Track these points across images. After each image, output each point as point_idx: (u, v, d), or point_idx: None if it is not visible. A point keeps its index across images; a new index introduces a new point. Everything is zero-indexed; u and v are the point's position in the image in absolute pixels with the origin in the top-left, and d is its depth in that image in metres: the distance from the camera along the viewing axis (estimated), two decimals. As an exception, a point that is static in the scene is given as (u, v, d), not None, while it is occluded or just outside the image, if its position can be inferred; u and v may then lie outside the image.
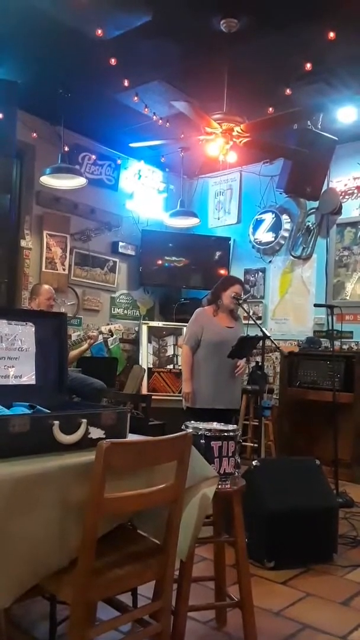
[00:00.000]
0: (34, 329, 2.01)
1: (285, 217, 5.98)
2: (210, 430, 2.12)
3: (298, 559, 2.96)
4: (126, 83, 4.29)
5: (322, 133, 4.89)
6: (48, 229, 5.44)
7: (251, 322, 4.12)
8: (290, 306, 5.97)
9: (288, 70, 4.09)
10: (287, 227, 5.97)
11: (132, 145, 4.52)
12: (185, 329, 4.28)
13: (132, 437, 1.85)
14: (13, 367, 1.93)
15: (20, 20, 3.65)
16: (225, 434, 2.12)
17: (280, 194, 5.53)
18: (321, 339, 5.50)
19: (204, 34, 3.79)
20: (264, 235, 6.12)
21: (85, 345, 4.46)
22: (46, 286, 4.48)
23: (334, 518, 3.12)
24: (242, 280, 5.35)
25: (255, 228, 6.20)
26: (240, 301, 3.94)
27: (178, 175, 6.27)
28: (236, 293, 3.89)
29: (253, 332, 4.29)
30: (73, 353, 4.30)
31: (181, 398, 4.07)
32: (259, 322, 5.30)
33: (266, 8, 3.52)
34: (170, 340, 6.13)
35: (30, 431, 1.56)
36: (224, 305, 3.92)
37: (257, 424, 4.57)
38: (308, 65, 3.89)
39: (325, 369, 5.06)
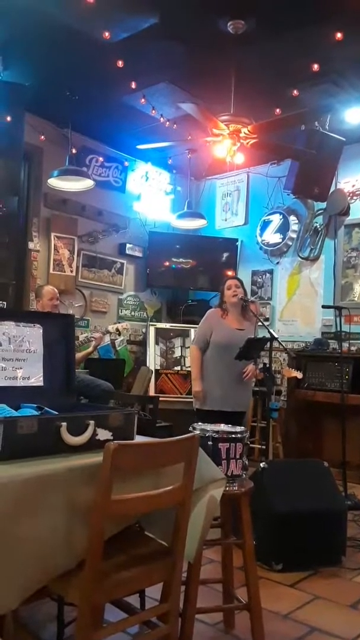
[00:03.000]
0: (41, 331, 2.02)
1: (292, 219, 5.96)
2: (217, 432, 2.11)
3: (306, 561, 2.95)
4: (133, 85, 4.30)
5: (330, 134, 4.87)
6: (56, 231, 5.46)
7: (259, 323, 4.11)
8: (298, 307, 5.96)
9: (295, 71, 4.09)
10: (295, 228, 5.95)
11: (140, 147, 4.53)
12: (193, 330, 4.28)
13: (139, 439, 1.85)
14: (21, 368, 1.93)
15: (28, 24, 3.67)
16: (233, 435, 2.12)
17: (288, 195, 5.51)
18: (329, 341, 5.47)
19: (211, 36, 3.79)
20: (272, 236, 6.10)
21: (90, 348, 4.46)
22: (48, 287, 4.45)
23: (343, 520, 3.11)
24: (246, 281, 5.32)
25: (263, 229, 6.18)
26: (247, 301, 3.95)
27: (185, 176, 6.27)
28: (231, 286, 3.90)
29: (261, 333, 4.28)
30: (78, 356, 4.29)
31: (189, 399, 4.07)
32: (266, 323, 5.29)
33: (272, 9, 3.51)
34: (177, 341, 6.13)
35: (38, 432, 1.57)
36: (228, 304, 3.92)
37: (264, 425, 4.56)
38: (315, 67, 3.88)
39: (334, 370, 5.04)
